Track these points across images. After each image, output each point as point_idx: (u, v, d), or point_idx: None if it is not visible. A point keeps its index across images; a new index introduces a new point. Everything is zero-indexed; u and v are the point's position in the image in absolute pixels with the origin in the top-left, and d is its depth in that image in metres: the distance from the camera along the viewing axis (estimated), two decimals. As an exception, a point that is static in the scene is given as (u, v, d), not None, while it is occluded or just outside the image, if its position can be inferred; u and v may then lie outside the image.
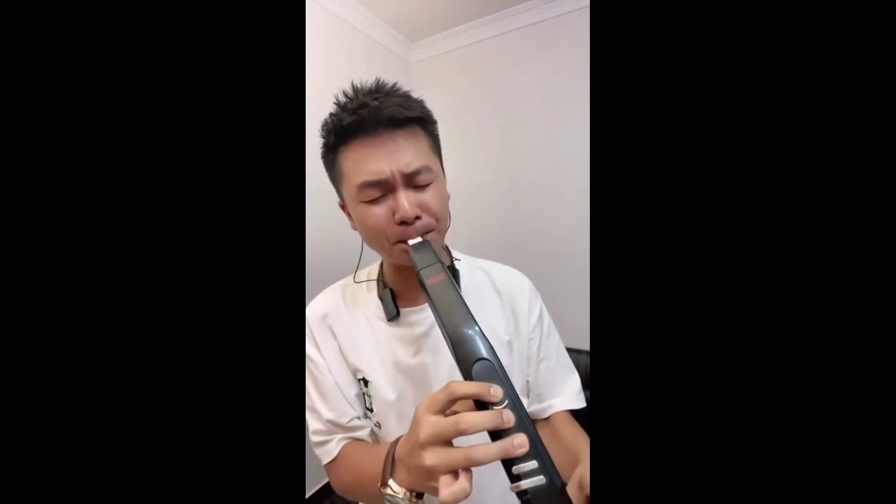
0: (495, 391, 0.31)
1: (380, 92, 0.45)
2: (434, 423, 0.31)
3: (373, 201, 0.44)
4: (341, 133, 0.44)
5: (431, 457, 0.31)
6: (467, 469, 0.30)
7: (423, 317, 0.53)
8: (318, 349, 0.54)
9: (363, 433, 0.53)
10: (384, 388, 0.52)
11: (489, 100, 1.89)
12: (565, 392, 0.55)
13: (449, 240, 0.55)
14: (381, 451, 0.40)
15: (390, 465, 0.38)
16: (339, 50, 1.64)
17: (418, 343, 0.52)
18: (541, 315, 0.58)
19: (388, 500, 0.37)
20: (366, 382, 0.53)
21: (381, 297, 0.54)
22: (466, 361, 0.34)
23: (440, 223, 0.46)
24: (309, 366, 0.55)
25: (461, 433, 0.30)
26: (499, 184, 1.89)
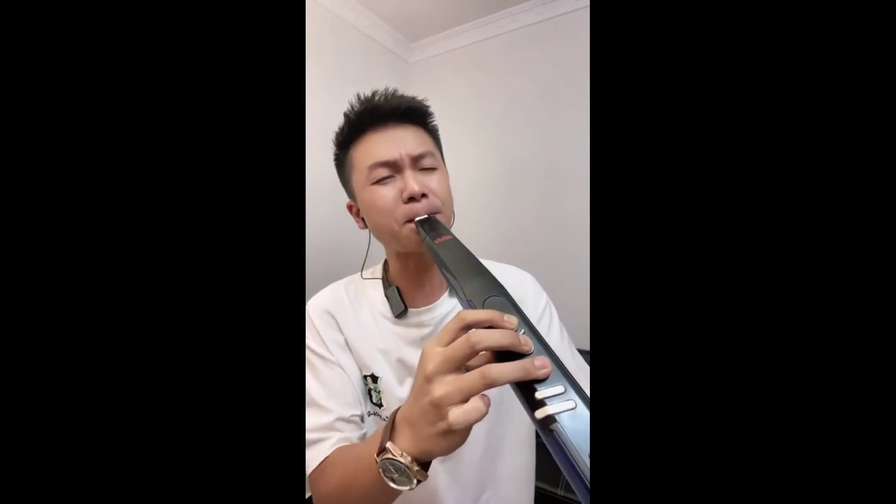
0: (510, 319, 0.29)
1: (387, 92, 0.51)
2: (442, 352, 0.28)
3: (381, 181, 0.48)
4: (355, 125, 0.50)
5: (441, 387, 0.27)
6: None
7: (428, 318, 0.53)
8: (325, 344, 0.53)
9: (358, 435, 0.49)
10: (394, 385, 0.52)
11: (489, 100, 1.88)
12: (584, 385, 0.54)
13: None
14: (379, 433, 0.34)
15: (389, 430, 0.32)
16: (338, 50, 1.64)
17: (423, 343, 0.51)
18: (547, 305, 0.59)
19: (387, 465, 0.31)
20: (374, 379, 0.53)
21: (387, 296, 0.54)
22: (477, 299, 0.32)
23: (445, 207, 0.49)
24: (313, 361, 0.53)
25: (473, 346, 0.27)
26: (498, 184, 1.89)
